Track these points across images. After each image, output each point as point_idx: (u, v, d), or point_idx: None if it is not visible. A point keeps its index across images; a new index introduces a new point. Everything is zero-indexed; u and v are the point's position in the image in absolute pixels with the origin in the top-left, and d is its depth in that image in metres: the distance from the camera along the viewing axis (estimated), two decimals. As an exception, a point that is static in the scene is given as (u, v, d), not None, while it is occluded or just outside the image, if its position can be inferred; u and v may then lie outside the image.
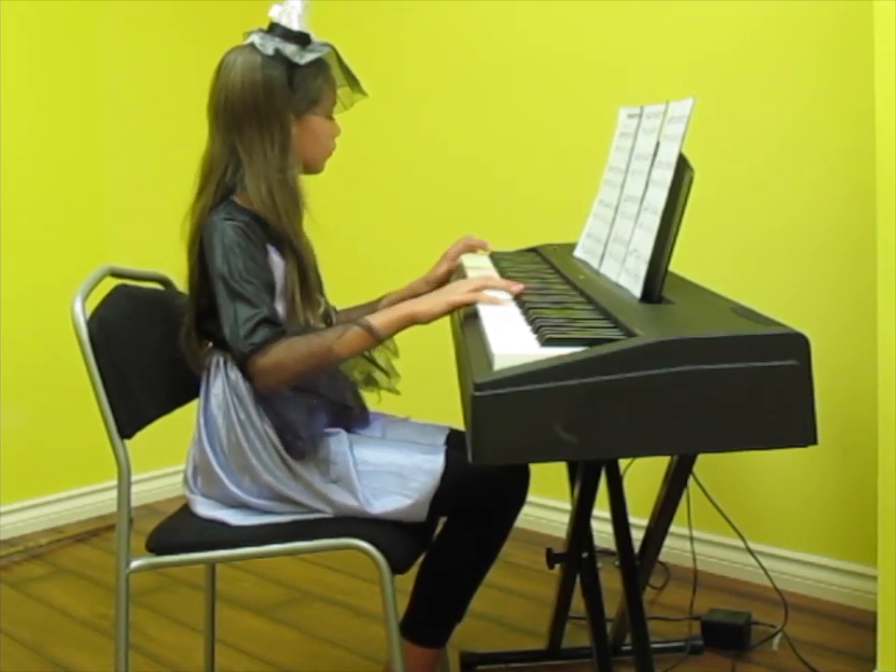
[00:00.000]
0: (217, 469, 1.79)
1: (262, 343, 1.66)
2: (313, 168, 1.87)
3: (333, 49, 1.84)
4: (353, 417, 1.88)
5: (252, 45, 1.78)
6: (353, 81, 1.89)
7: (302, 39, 1.78)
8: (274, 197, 1.75)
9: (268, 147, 1.76)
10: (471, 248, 2.10)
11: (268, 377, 1.68)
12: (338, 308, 2.01)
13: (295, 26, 1.78)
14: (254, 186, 1.75)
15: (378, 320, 1.69)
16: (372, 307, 2.03)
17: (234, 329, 1.67)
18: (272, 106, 1.76)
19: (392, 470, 1.76)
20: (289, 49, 1.76)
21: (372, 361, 1.97)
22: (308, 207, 1.83)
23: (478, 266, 2.03)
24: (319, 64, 1.79)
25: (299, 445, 1.75)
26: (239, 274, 1.69)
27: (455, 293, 1.67)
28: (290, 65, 1.76)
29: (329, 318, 1.91)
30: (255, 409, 1.77)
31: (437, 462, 1.76)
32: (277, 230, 1.76)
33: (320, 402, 1.78)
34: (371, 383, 1.97)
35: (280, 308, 1.75)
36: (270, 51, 1.76)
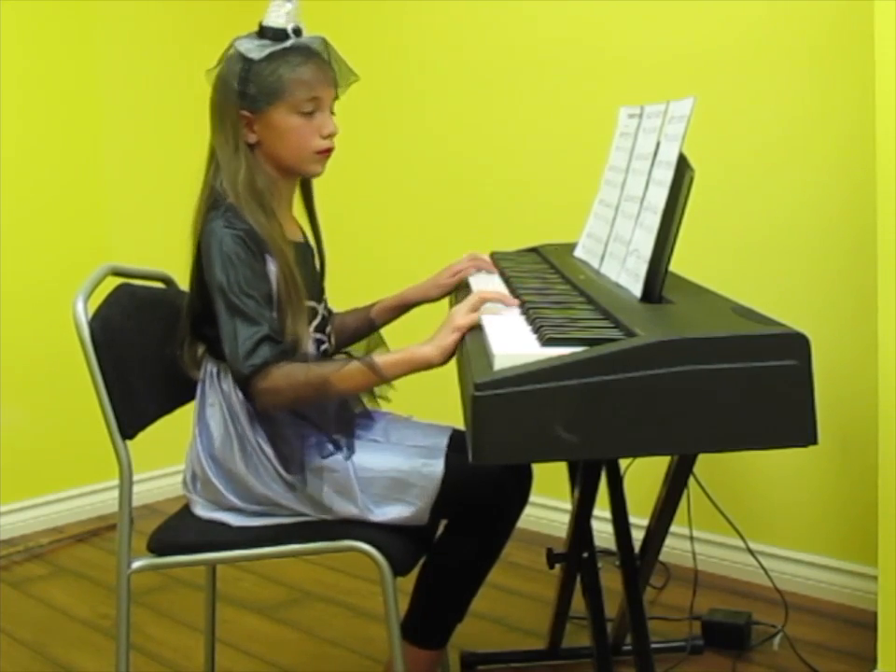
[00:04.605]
0: (215, 481, 1.79)
1: (262, 365, 1.64)
2: (296, 168, 1.82)
3: (321, 42, 1.81)
4: (354, 430, 1.84)
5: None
6: (333, 78, 1.82)
7: (278, 35, 1.76)
8: (237, 196, 1.74)
9: (227, 147, 1.77)
10: (478, 267, 2.05)
11: (265, 399, 1.67)
12: (333, 311, 1.99)
13: (272, 23, 1.76)
14: (225, 184, 1.76)
15: (382, 358, 1.66)
16: (366, 312, 2.03)
17: (234, 349, 1.65)
18: (224, 104, 1.77)
19: (392, 476, 1.75)
20: (246, 46, 1.76)
21: None
22: (286, 207, 1.83)
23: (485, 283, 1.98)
24: (282, 57, 1.75)
25: (296, 458, 1.73)
26: (239, 287, 1.67)
27: (453, 328, 1.60)
28: (246, 61, 1.76)
29: (325, 327, 1.90)
30: (248, 423, 1.75)
31: (437, 467, 1.75)
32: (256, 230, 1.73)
33: (321, 428, 1.76)
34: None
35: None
36: (233, 51, 1.78)
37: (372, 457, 1.78)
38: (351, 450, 1.78)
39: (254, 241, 1.72)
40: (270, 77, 1.75)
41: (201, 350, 1.84)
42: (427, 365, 1.63)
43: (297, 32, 1.78)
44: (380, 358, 1.66)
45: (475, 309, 1.61)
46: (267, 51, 1.75)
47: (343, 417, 1.79)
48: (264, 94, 1.75)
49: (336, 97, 1.83)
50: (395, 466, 1.76)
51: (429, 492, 1.74)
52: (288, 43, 1.77)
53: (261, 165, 1.79)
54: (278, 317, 1.72)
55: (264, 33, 1.77)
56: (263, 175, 1.79)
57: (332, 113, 1.83)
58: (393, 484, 1.75)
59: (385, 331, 2.07)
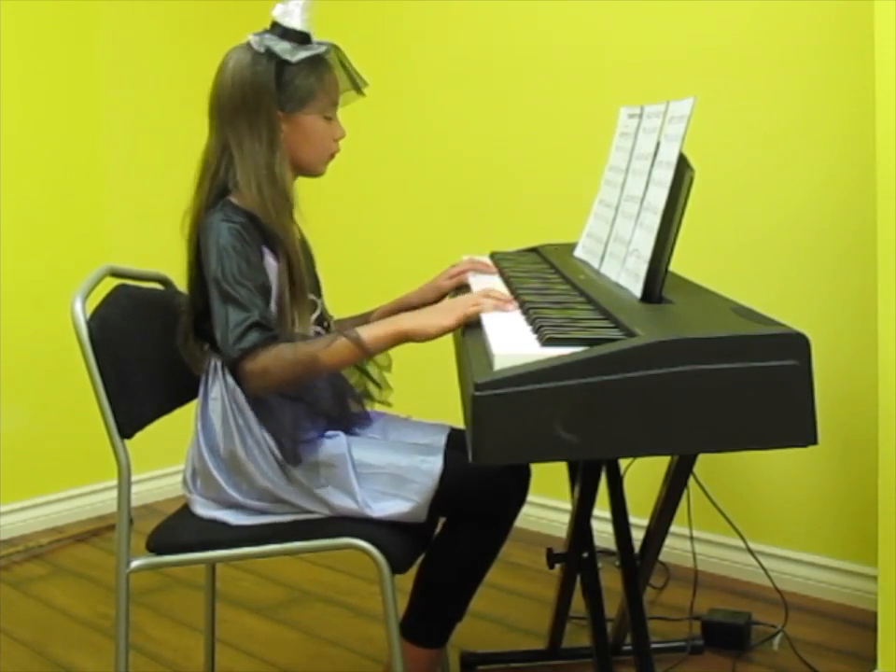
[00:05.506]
0: (215, 474, 1.79)
1: (251, 348, 1.66)
2: (309, 169, 1.86)
3: (335, 49, 1.85)
4: (352, 419, 1.87)
5: (248, 43, 1.80)
6: (355, 84, 1.89)
7: (301, 38, 1.79)
8: (263, 193, 1.76)
9: (256, 144, 1.77)
10: (477, 269, 2.05)
11: (254, 381, 1.68)
12: (334, 318, 2.00)
13: (296, 25, 1.79)
14: (244, 182, 1.77)
15: (368, 333, 1.68)
16: (364, 319, 2.03)
17: (225, 334, 1.67)
18: (259, 103, 1.77)
19: (391, 472, 1.76)
20: (281, 47, 1.77)
21: (366, 374, 1.99)
22: (298, 206, 1.84)
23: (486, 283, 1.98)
24: (313, 63, 1.79)
25: (296, 450, 1.74)
26: (233, 277, 1.69)
27: (448, 316, 1.65)
28: (280, 63, 1.77)
29: (324, 321, 1.91)
30: (253, 415, 1.76)
31: (436, 463, 1.75)
32: (268, 228, 1.76)
33: (316, 407, 1.78)
34: (364, 395, 1.97)
35: (275, 310, 1.75)
36: (262, 49, 1.78)
37: (371, 453, 1.78)
38: (348, 425, 1.81)
39: (251, 233, 1.74)
40: (306, 80, 1.79)
41: (202, 346, 1.85)
42: (408, 340, 1.68)
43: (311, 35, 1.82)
44: (366, 333, 1.68)
45: (477, 304, 1.63)
46: (303, 55, 1.78)
47: (336, 391, 1.80)
48: (300, 97, 1.79)
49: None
50: (393, 462, 1.77)
51: (428, 488, 1.74)
52: (322, 49, 1.80)
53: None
54: (282, 311, 1.75)
55: (289, 35, 1.79)
56: (284, 171, 1.81)
57: None
58: (391, 480, 1.75)
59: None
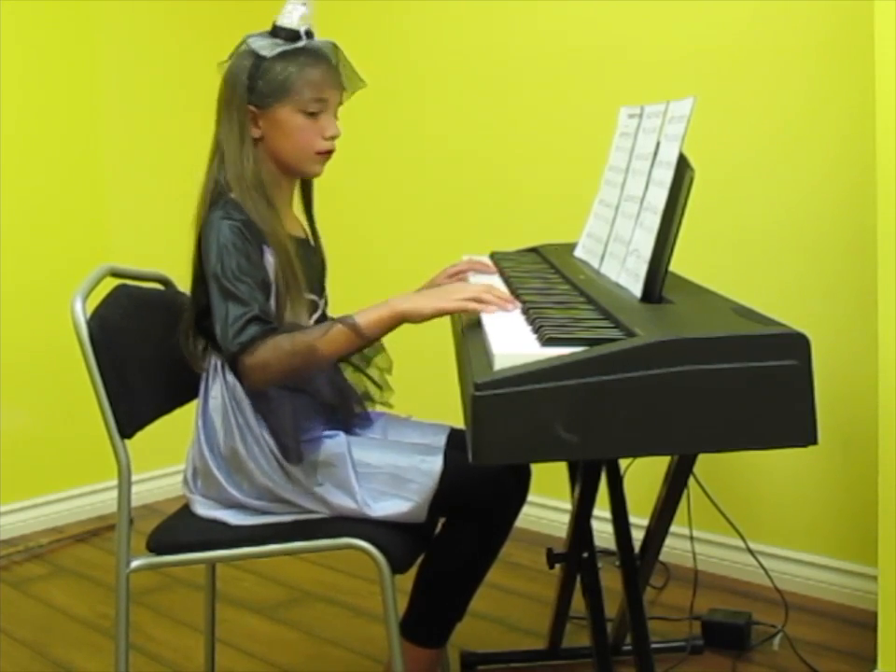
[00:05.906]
0: (216, 472, 1.80)
1: (250, 342, 1.66)
2: (295, 167, 1.85)
3: (327, 47, 1.84)
4: (352, 418, 1.87)
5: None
6: (340, 82, 1.86)
7: (291, 36, 1.79)
8: (240, 185, 1.77)
9: (233, 138, 1.80)
10: (476, 269, 2.05)
11: (254, 375, 1.68)
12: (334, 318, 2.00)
13: (290, 25, 1.80)
14: (229, 176, 1.79)
15: (364, 318, 1.68)
16: None
17: (224, 328, 1.68)
18: (232, 97, 1.81)
19: (390, 472, 1.76)
20: (260, 44, 1.79)
21: (367, 375, 1.99)
22: (277, 204, 1.83)
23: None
24: (290, 57, 1.78)
25: (296, 449, 1.74)
26: (232, 273, 1.70)
27: (446, 299, 1.65)
28: (257, 58, 1.79)
29: (325, 321, 1.91)
30: (252, 413, 1.76)
31: (435, 463, 1.75)
32: (256, 222, 1.76)
33: (317, 405, 1.78)
34: (365, 397, 1.97)
35: (274, 306, 1.75)
36: (246, 48, 1.81)
37: (371, 453, 1.78)
38: (349, 425, 1.81)
39: (251, 231, 1.74)
40: (279, 75, 1.78)
41: (204, 345, 1.85)
42: (404, 321, 1.67)
43: (309, 34, 1.81)
44: (361, 318, 1.68)
45: (470, 300, 1.62)
46: (279, 50, 1.79)
47: (336, 386, 1.80)
48: (272, 91, 1.79)
49: (341, 102, 1.86)
50: (393, 461, 1.77)
51: (427, 488, 1.74)
52: (301, 44, 1.80)
53: (264, 160, 1.82)
54: (276, 308, 1.75)
55: (277, 32, 1.81)
56: (266, 170, 1.82)
57: (336, 117, 1.85)
58: (391, 480, 1.75)
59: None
